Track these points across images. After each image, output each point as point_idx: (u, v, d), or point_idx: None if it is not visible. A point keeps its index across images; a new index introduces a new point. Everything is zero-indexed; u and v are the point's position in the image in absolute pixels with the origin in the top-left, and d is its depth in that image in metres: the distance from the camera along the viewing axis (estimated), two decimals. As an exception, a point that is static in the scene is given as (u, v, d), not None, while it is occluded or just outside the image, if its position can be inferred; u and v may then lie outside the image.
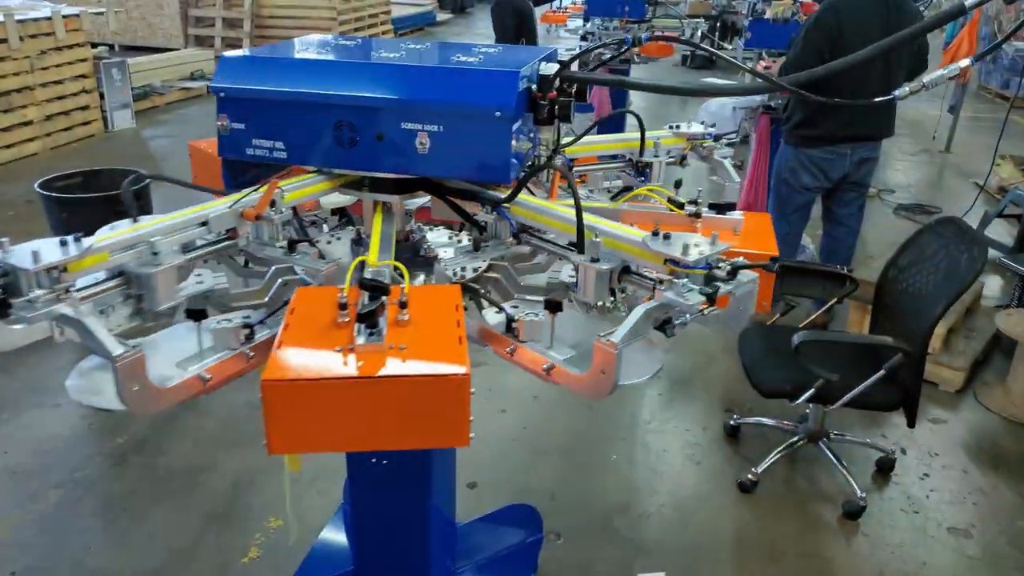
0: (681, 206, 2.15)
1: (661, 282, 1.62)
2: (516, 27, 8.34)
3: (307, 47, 2.16)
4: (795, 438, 3.95)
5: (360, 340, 1.43)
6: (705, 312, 1.60)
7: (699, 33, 7.92)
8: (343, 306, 1.52)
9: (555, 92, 1.97)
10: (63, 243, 1.48)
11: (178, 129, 9.39)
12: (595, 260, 1.71)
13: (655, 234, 1.64)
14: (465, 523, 3.10)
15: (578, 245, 1.77)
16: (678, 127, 2.66)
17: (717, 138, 2.69)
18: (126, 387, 1.40)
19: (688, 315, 1.55)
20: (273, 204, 1.88)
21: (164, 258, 1.65)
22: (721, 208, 2.17)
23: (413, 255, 2.07)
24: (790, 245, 4.94)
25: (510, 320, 1.75)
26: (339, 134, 1.96)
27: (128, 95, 9.19)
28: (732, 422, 4.15)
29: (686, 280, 1.55)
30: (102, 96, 8.90)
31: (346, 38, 2.40)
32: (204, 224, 1.74)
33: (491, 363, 1.89)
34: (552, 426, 4.19)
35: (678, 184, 2.39)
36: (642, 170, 2.58)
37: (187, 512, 3.47)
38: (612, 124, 7.66)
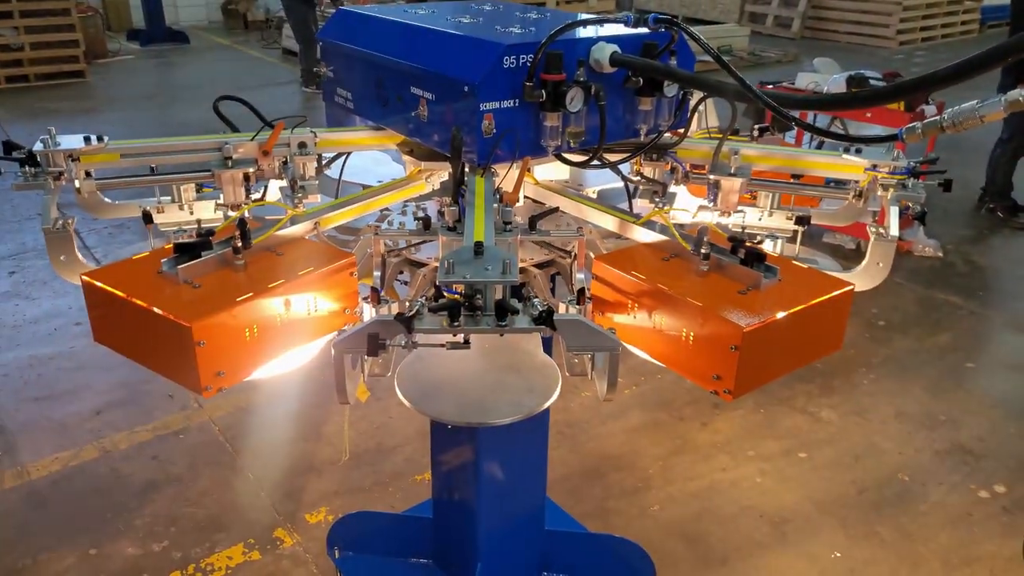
0: (699, 244, 1.66)
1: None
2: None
3: (405, 9, 2.22)
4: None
5: (165, 268, 1.55)
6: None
7: None
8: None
9: (560, 74, 1.70)
10: (86, 139, 1.87)
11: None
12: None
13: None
14: (568, 531, 2.91)
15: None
16: (858, 151, 1.97)
17: (917, 174, 1.93)
18: (52, 256, 1.76)
19: (400, 341, 1.29)
20: (304, 146, 2.05)
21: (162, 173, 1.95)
22: (749, 255, 1.60)
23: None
24: None
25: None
26: (377, 92, 2.03)
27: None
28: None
29: (422, 301, 1.27)
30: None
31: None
32: (219, 150, 1.99)
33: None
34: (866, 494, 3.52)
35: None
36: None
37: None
38: None
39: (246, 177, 1.90)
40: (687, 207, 2.21)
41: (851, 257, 5.81)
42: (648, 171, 2.11)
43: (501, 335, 1.28)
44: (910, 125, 1.34)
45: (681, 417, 3.95)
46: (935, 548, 3.22)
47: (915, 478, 3.62)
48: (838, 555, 3.17)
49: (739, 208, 2.04)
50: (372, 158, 2.58)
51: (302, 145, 2.04)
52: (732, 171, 2.00)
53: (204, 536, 3.23)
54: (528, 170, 2.17)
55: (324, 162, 2.15)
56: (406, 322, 1.24)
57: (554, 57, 1.70)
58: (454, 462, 2.57)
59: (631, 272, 1.64)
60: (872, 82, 5.42)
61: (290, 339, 1.61)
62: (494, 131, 1.72)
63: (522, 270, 2.03)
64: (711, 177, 2.01)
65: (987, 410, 4.14)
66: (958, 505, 3.46)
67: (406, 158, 2.09)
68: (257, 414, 3.98)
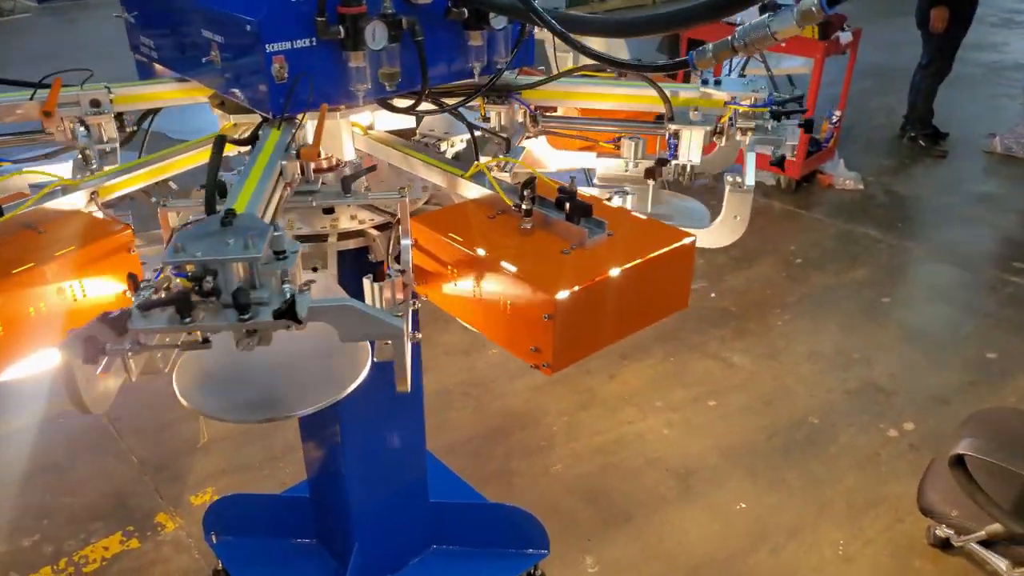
0: (521, 198, 1.46)
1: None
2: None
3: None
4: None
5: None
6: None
7: None
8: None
9: (360, 6, 1.48)
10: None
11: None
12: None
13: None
14: (455, 503, 2.77)
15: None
16: (717, 83, 1.79)
17: (778, 115, 1.74)
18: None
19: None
20: (97, 104, 1.79)
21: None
22: (574, 209, 1.42)
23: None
24: None
25: None
26: (173, 37, 1.77)
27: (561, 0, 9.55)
28: (939, 531, 2.89)
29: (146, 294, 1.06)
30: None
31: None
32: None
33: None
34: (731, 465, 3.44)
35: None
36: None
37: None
38: None
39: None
40: (544, 156, 2.03)
41: (771, 194, 5.70)
42: (495, 117, 1.90)
43: (246, 332, 1.07)
44: (700, 48, 1.17)
45: (588, 370, 3.82)
46: (841, 491, 3.16)
47: (825, 420, 3.56)
48: (743, 506, 3.09)
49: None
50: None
51: (95, 103, 1.78)
52: (693, 119, 1.77)
53: (79, 527, 3.02)
54: (369, 126, 1.95)
55: (134, 121, 1.90)
56: (114, 324, 1.04)
57: (349, -15, 1.47)
58: (321, 442, 2.40)
59: (447, 234, 1.45)
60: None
61: (52, 332, 1.38)
62: (287, 76, 1.50)
63: (360, 233, 1.82)
64: (671, 127, 1.78)
65: (900, 345, 4.10)
66: (866, 445, 3.41)
67: (216, 112, 1.85)
68: (144, 392, 3.73)
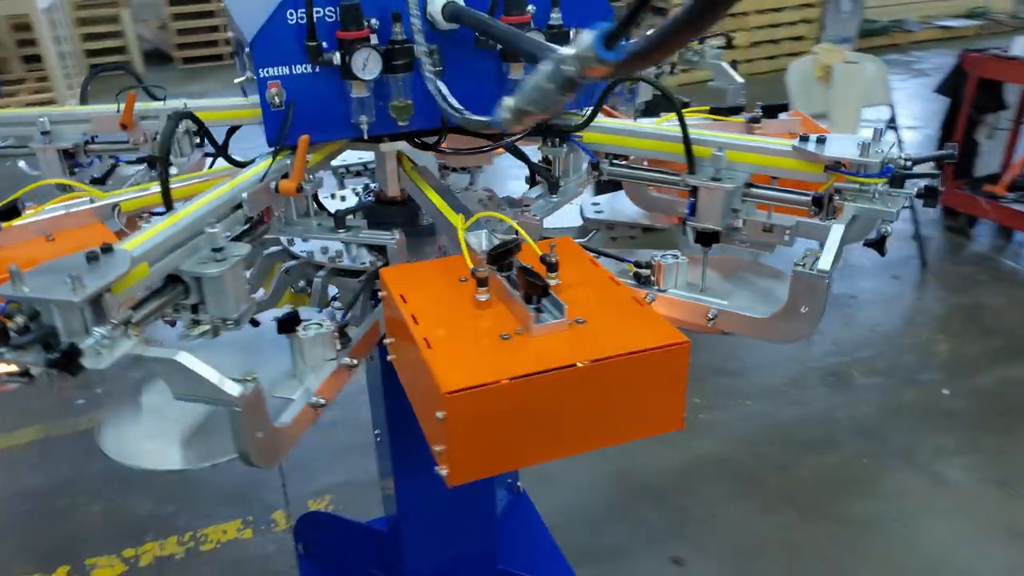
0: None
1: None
2: None
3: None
4: None
5: None
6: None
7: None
8: None
9: (359, 31, 1.33)
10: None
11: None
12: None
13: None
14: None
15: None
16: (821, 140, 1.37)
17: (901, 177, 1.30)
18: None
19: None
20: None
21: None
22: (529, 286, 1.13)
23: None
24: None
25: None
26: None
27: (853, 29, 8.66)
28: None
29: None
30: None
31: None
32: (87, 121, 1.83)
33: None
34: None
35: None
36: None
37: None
38: None
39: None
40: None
41: None
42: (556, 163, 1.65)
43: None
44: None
45: (757, 452, 3.30)
46: None
47: (1058, 582, 2.72)
48: None
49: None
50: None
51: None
52: (714, 174, 1.44)
53: (212, 506, 3.22)
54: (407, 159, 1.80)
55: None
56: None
57: (350, 10, 1.33)
58: (385, 479, 2.30)
59: (399, 293, 1.25)
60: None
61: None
62: (282, 103, 1.39)
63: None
64: (689, 181, 1.48)
65: None
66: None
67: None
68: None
